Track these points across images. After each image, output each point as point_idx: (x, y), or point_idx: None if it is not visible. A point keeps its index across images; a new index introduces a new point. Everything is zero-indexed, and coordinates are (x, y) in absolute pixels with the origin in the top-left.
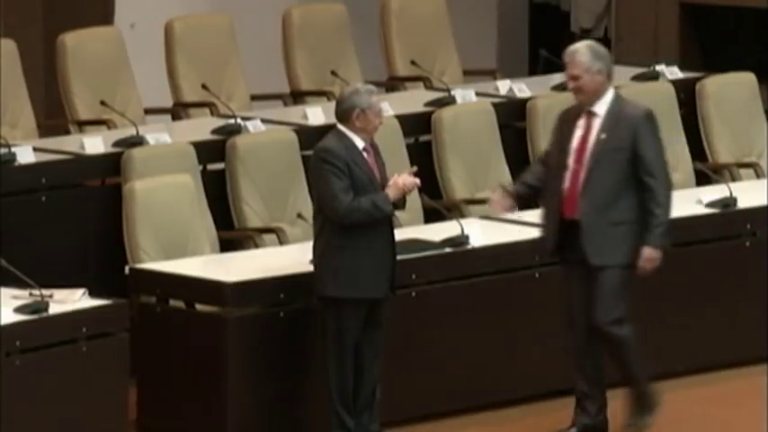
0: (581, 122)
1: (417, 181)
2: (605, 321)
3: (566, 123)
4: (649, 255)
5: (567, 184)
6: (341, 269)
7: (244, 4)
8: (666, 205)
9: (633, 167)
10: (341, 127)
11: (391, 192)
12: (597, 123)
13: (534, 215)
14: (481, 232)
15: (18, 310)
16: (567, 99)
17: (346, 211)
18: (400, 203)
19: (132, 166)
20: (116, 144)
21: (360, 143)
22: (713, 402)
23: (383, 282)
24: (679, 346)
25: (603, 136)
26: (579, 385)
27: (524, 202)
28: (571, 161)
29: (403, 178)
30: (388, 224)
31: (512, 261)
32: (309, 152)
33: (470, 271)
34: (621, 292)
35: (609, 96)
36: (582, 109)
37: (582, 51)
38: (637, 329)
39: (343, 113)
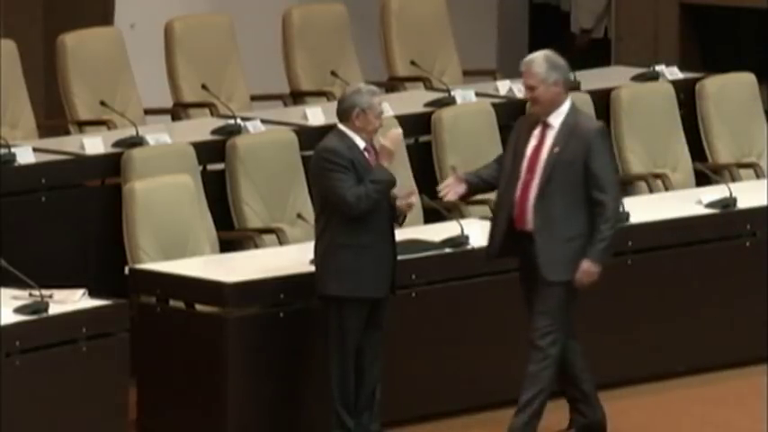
0: (536, 132)
1: (399, 131)
2: (536, 335)
3: (522, 131)
4: (588, 268)
5: (518, 193)
6: (343, 268)
7: (244, 4)
8: (613, 221)
9: (585, 182)
10: (341, 126)
11: (383, 159)
12: (551, 135)
13: None
14: (481, 232)
15: (18, 310)
16: None
17: (356, 203)
18: (400, 219)
19: (132, 167)
20: (116, 144)
21: (361, 143)
22: (713, 402)
23: (384, 282)
24: (679, 346)
25: (556, 149)
26: (568, 390)
27: (474, 193)
28: (523, 171)
29: (387, 137)
30: (389, 224)
31: (511, 261)
32: (309, 152)
33: (470, 271)
34: (565, 308)
35: (565, 108)
36: (539, 118)
37: (538, 62)
38: (636, 330)
39: (344, 112)
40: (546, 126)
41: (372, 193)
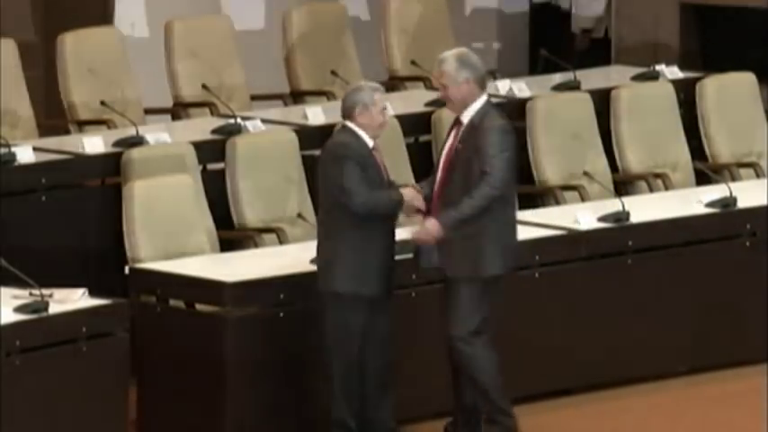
0: (453, 131)
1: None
2: (454, 337)
3: (447, 130)
4: (431, 227)
5: (435, 192)
6: (348, 265)
7: (244, 4)
8: (476, 205)
9: None
10: (349, 124)
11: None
12: (461, 133)
13: (533, 215)
14: None
15: (18, 309)
16: (567, 99)
17: (363, 205)
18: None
19: (132, 166)
20: (116, 144)
21: (369, 141)
22: (713, 402)
23: (385, 281)
24: (679, 345)
25: (460, 146)
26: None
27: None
28: (440, 170)
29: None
30: (391, 225)
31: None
32: (310, 152)
33: None
34: (474, 305)
35: (476, 106)
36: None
37: (448, 61)
38: (636, 329)
39: (347, 110)
40: (459, 124)
41: (383, 209)
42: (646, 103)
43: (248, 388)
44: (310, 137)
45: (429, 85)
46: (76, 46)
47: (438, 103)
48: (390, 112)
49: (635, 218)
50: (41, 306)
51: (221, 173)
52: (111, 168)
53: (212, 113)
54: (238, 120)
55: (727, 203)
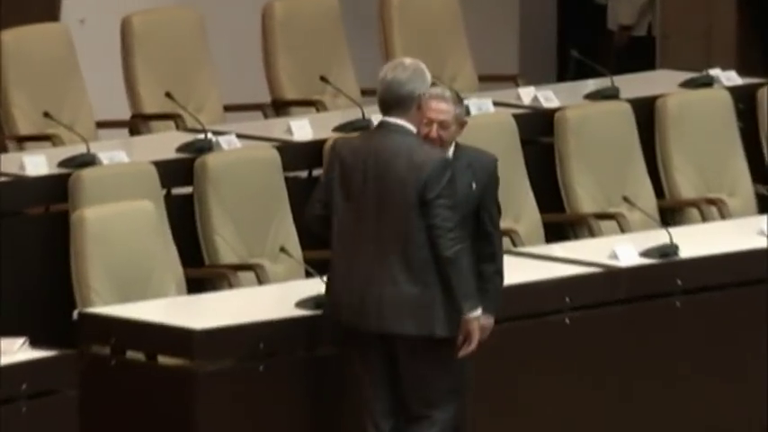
0: None
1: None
2: None
3: None
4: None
5: None
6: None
7: None
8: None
9: None
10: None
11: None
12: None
13: (563, 249)
14: None
15: None
16: (603, 110)
17: None
18: None
19: (82, 191)
20: (62, 164)
21: None
22: None
23: None
24: (742, 403)
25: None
26: None
27: None
28: None
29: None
30: None
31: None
32: (294, 173)
33: None
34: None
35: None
36: None
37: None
38: (688, 384)
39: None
40: None
41: None
42: (697, 115)
43: None
44: (295, 155)
45: None
46: (16, 45)
47: None
48: None
49: (684, 252)
50: None
51: (189, 198)
52: (57, 193)
53: (178, 127)
54: (209, 135)
55: None
